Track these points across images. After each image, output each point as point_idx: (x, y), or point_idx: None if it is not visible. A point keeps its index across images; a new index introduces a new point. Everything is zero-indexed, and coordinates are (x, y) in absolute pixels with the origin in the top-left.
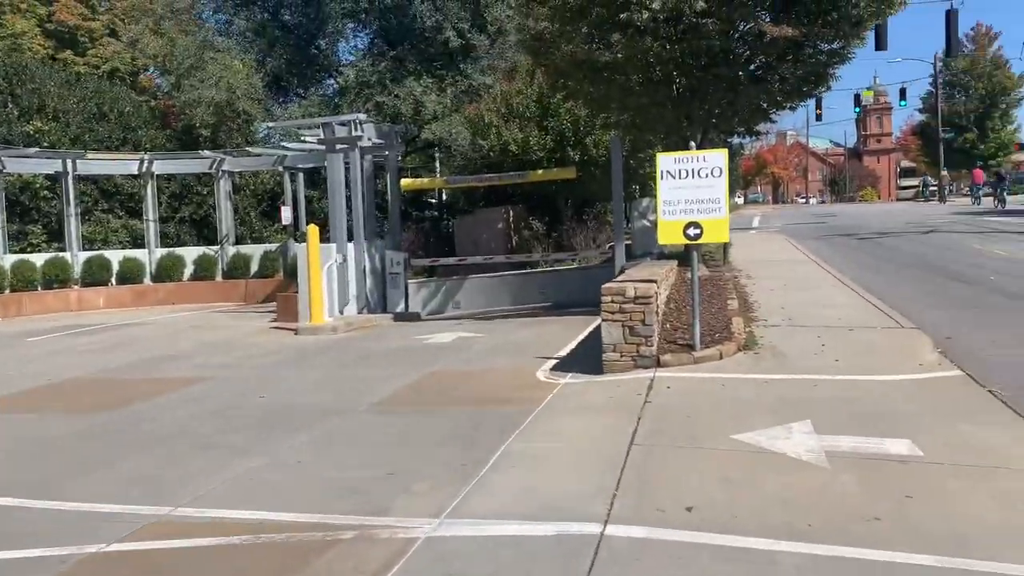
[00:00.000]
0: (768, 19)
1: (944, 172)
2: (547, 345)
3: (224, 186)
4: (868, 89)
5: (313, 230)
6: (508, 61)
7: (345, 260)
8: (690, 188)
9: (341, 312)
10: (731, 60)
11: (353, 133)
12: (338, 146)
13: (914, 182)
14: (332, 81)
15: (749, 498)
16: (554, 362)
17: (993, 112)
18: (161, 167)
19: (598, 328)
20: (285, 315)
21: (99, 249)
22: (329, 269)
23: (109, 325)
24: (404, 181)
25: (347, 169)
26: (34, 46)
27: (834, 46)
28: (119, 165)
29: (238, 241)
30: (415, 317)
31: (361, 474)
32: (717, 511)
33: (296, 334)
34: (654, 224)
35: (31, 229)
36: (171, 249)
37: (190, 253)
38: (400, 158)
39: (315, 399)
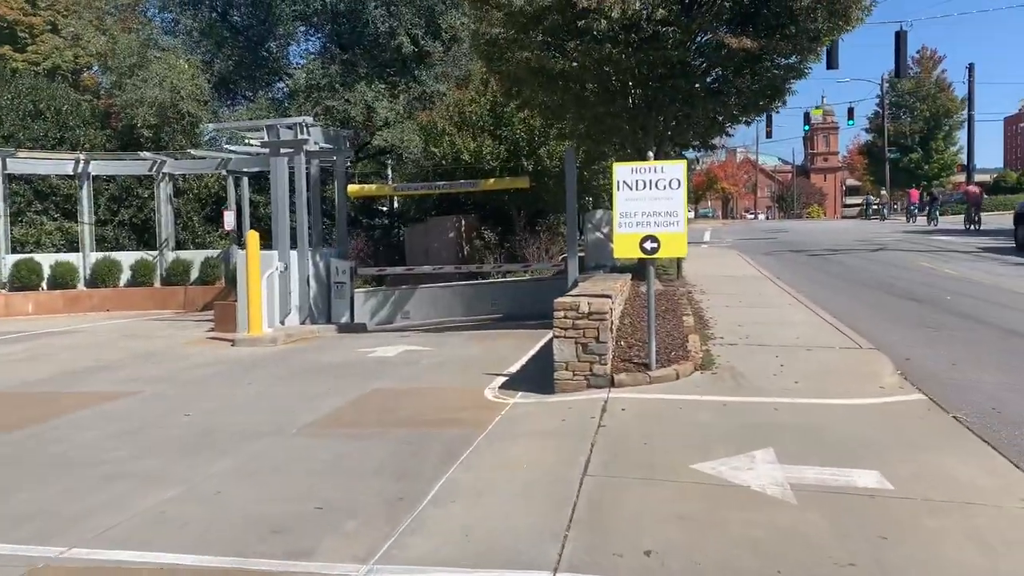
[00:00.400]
0: (726, 31)
1: (883, 191)
2: (497, 361)
3: (165, 189)
4: (817, 107)
5: (253, 236)
6: (462, 69)
7: (287, 268)
8: (647, 200)
9: (283, 322)
10: (689, 72)
11: (299, 136)
12: (283, 150)
13: (858, 200)
14: (282, 84)
15: (713, 540)
16: (503, 379)
17: (937, 133)
18: (98, 168)
19: (550, 343)
20: (223, 325)
21: (31, 252)
22: (270, 278)
23: (34, 333)
24: (351, 187)
25: (293, 174)
26: None
27: (791, 60)
28: (53, 165)
29: (179, 246)
30: (361, 328)
31: (286, 508)
32: (678, 556)
33: (233, 345)
34: (608, 236)
35: None
36: (107, 253)
37: (127, 258)
38: (349, 164)
39: (244, 419)
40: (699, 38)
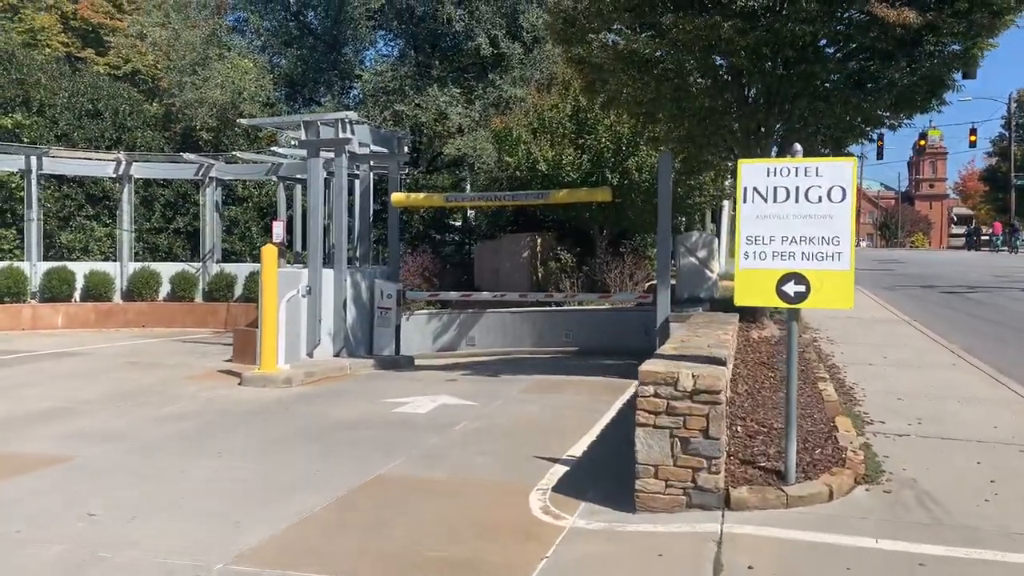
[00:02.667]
0: (880, 1)
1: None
2: (559, 431)
3: (212, 195)
4: (934, 128)
5: (269, 251)
6: (543, 72)
7: (311, 291)
8: (791, 218)
9: (310, 354)
10: (823, 56)
11: (340, 135)
12: (323, 151)
13: (963, 230)
14: (355, 89)
15: None
16: (563, 470)
17: None
18: (141, 170)
19: (632, 404)
20: (242, 355)
21: (78, 259)
22: (291, 303)
23: (36, 353)
24: (395, 196)
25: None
26: (53, 43)
27: (955, 47)
28: (93, 165)
29: (236, 258)
30: (406, 364)
31: None
32: None
33: (240, 384)
34: (704, 263)
35: (2, 233)
36: (146, 264)
37: (168, 269)
38: (405, 171)
39: (159, 533)
40: (841, 11)
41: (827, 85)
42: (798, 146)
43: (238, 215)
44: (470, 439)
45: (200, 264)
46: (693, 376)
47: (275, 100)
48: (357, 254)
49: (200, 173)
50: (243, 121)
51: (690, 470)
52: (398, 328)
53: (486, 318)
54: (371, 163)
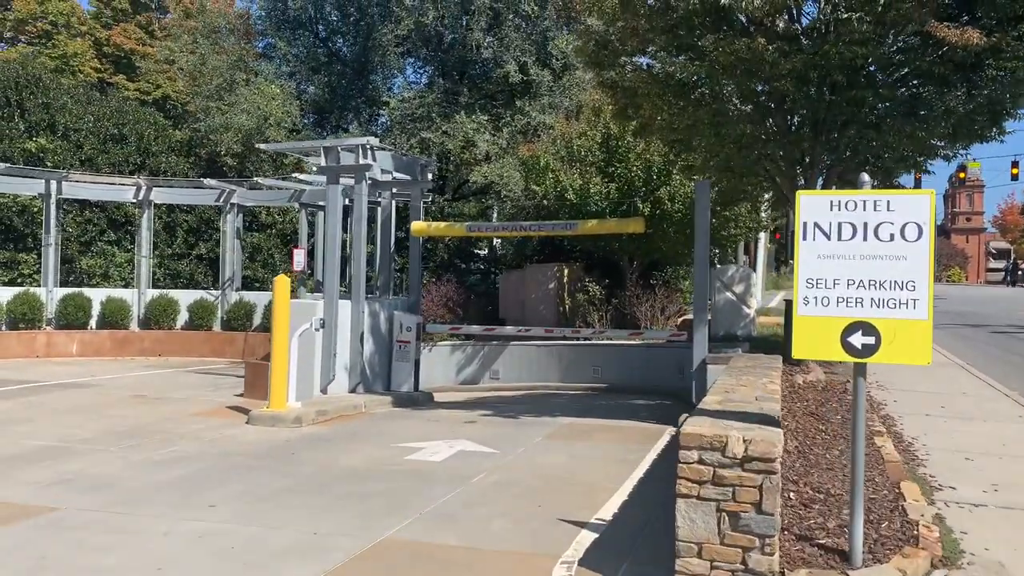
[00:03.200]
0: (938, 21)
1: None
2: (587, 483)
3: (233, 222)
4: (974, 160)
5: (282, 282)
6: (572, 100)
7: (324, 324)
8: (858, 258)
9: (324, 390)
10: (874, 81)
11: (361, 161)
12: (343, 177)
13: (1001, 265)
14: (383, 116)
15: None
16: (592, 537)
17: None
18: (161, 196)
19: (668, 452)
20: (253, 389)
21: (97, 285)
22: (305, 335)
23: (41, 384)
24: (416, 225)
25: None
26: (86, 68)
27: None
28: (113, 190)
29: (253, 286)
30: (424, 400)
31: None
32: None
33: (247, 423)
34: (741, 298)
35: (23, 258)
36: (164, 291)
37: (186, 297)
38: (429, 198)
39: None
40: (895, 32)
41: (878, 111)
42: (865, 176)
43: (261, 242)
44: (488, 495)
45: (219, 292)
46: (744, 441)
47: (302, 126)
48: (379, 284)
49: (221, 199)
50: (262, 146)
51: (740, 550)
52: (417, 363)
53: (510, 351)
54: (393, 190)
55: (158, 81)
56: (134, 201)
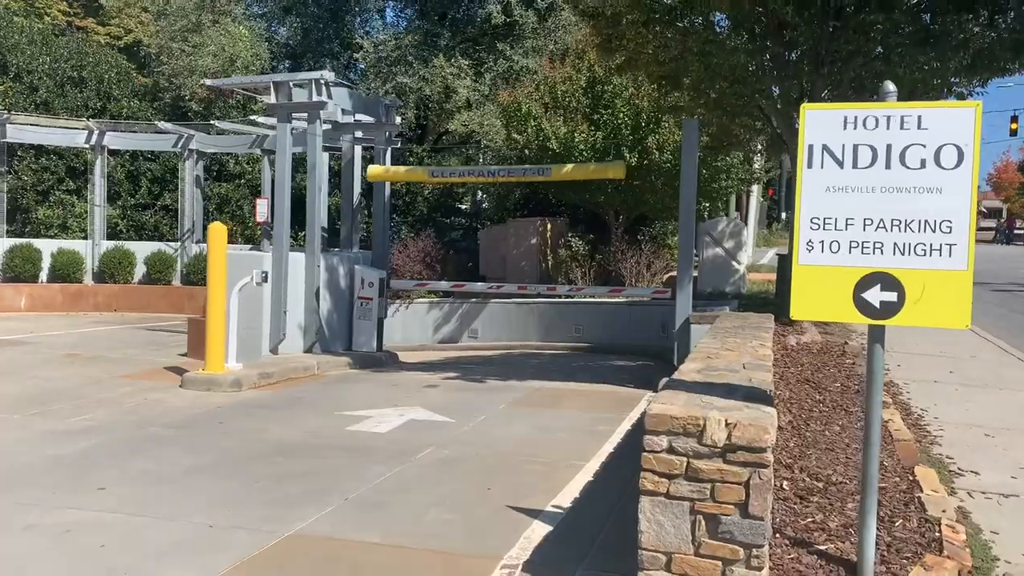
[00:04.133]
0: None
1: None
2: (548, 461)
3: (192, 169)
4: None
5: (216, 231)
6: (557, 44)
7: (267, 278)
8: (879, 192)
9: (275, 350)
10: (887, 3)
11: (313, 98)
12: (297, 118)
13: (992, 224)
14: (359, 61)
15: None
16: (544, 530)
17: None
18: (115, 140)
19: (644, 422)
20: (197, 348)
21: (56, 237)
22: (252, 291)
23: None
24: (372, 170)
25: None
26: (53, 11)
27: None
28: (62, 134)
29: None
30: (388, 361)
31: None
32: None
33: (181, 386)
34: (731, 253)
35: None
36: (120, 243)
37: (143, 249)
38: (397, 143)
39: None
40: None
41: (887, 41)
42: (890, 85)
43: (229, 192)
44: (431, 476)
45: (178, 244)
46: (727, 424)
47: (271, 70)
48: (342, 236)
49: (179, 145)
50: (207, 82)
51: (719, 563)
52: (381, 321)
53: (490, 309)
54: (357, 134)
55: (129, 25)
56: (86, 146)
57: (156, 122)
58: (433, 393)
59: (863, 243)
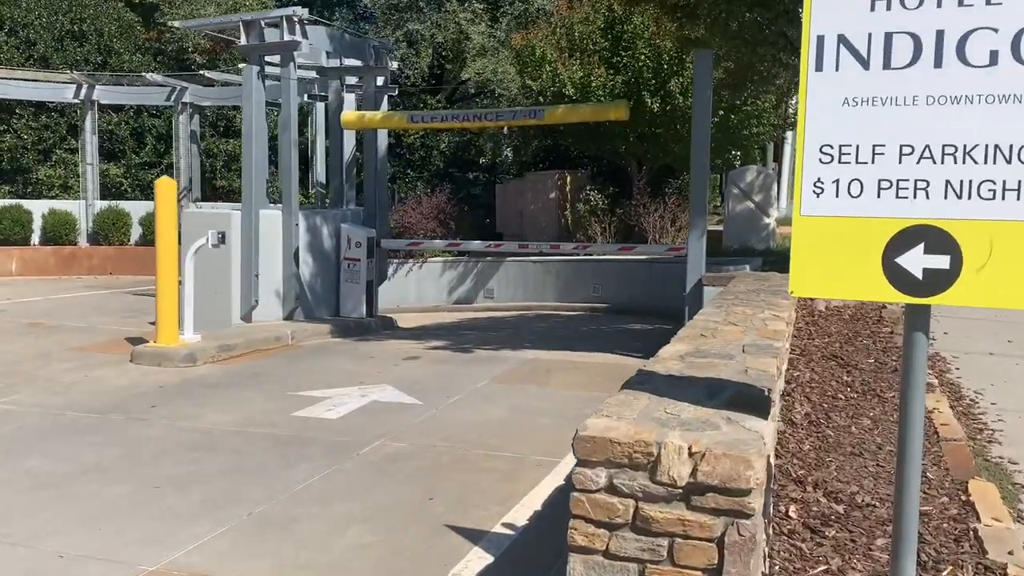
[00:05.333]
0: None
1: None
2: (516, 456)
3: (186, 123)
4: None
5: (164, 186)
6: None
7: (223, 239)
8: (923, 104)
9: (248, 318)
10: None
11: (285, 37)
12: (268, 59)
13: None
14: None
15: None
16: (481, 564)
17: None
18: (105, 95)
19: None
20: None
21: (56, 197)
22: (212, 253)
23: None
24: (346, 116)
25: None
26: None
27: None
28: (47, 89)
29: (230, 197)
30: (378, 327)
31: None
32: None
33: (131, 360)
34: (760, 207)
35: None
36: (114, 203)
37: (139, 209)
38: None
39: None
40: None
41: None
42: None
43: (237, 149)
44: (367, 478)
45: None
46: (691, 453)
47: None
48: (330, 194)
49: (172, 98)
50: (176, 23)
51: None
52: (370, 284)
53: (505, 268)
54: (350, 81)
55: None
56: (76, 101)
57: (144, 74)
58: (411, 367)
59: (899, 182)
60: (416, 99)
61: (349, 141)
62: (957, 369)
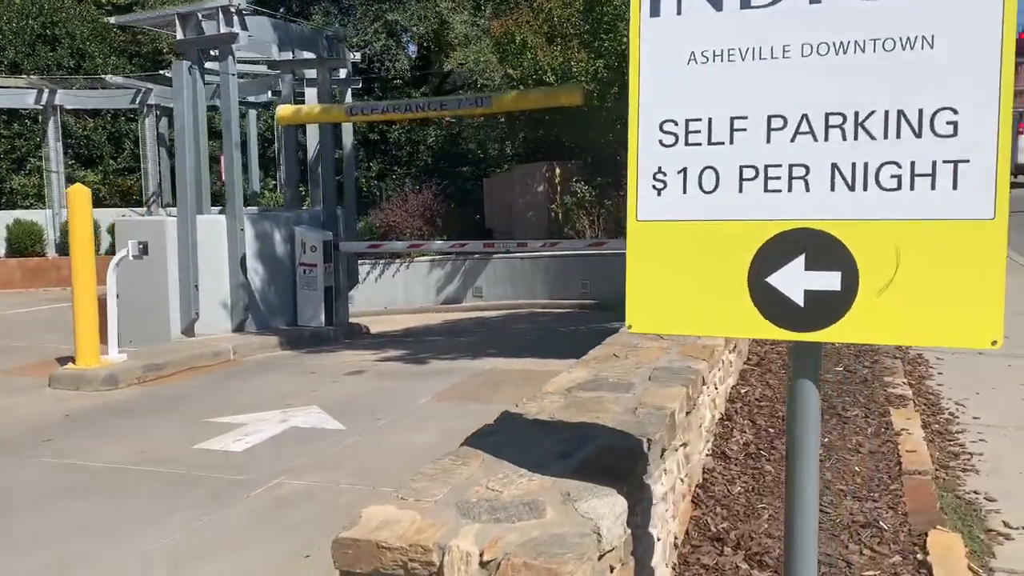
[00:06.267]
0: None
1: None
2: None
3: (151, 125)
4: None
5: (78, 193)
6: None
7: (145, 249)
8: (795, 56)
9: (189, 332)
10: None
11: (222, 29)
12: (209, 58)
13: None
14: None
15: None
16: None
17: None
18: (68, 100)
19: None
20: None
21: (31, 207)
22: (141, 265)
23: None
24: (281, 110)
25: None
26: None
27: None
28: (8, 96)
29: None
30: (336, 337)
31: None
32: None
33: (49, 385)
34: None
35: None
36: None
37: (107, 217)
38: (358, 83)
39: None
40: None
41: None
42: None
43: (215, 151)
44: (242, 531)
45: (144, 210)
46: (483, 563)
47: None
48: (286, 196)
49: (137, 100)
50: (111, 20)
51: None
52: (329, 291)
53: (493, 266)
54: (303, 76)
55: None
56: (38, 107)
57: (105, 76)
58: (350, 383)
59: (767, 169)
60: (400, 92)
61: (312, 139)
62: (940, 374)
